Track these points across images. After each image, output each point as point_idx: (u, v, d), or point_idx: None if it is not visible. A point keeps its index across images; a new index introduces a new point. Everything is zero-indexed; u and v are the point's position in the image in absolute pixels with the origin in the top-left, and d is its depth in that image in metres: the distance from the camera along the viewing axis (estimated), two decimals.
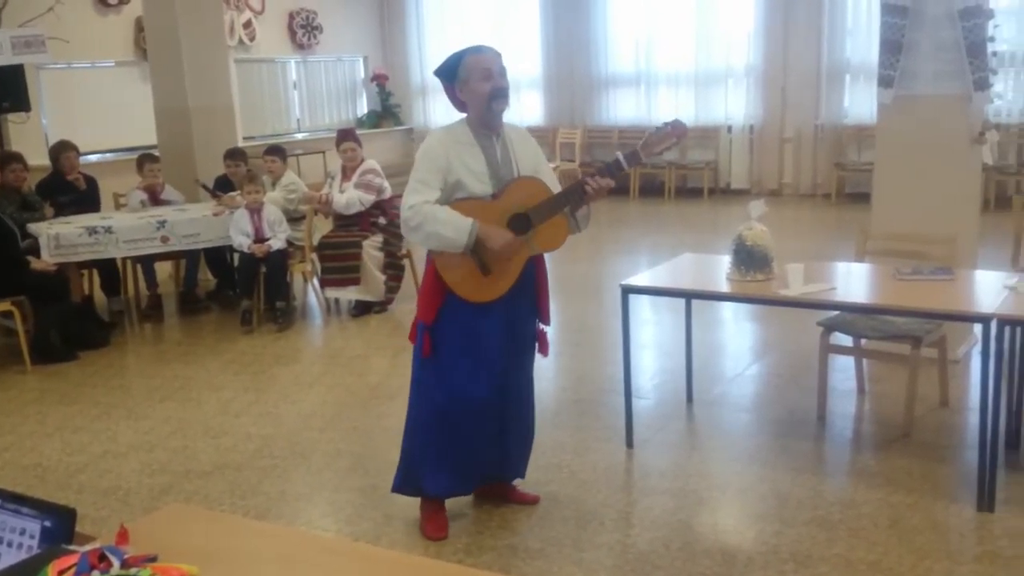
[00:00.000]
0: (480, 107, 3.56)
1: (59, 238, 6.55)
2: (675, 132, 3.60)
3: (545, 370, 3.91)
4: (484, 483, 3.92)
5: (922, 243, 4.81)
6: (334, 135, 7.62)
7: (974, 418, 3.98)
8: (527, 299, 3.72)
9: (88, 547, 1.82)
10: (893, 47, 5.24)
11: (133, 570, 1.79)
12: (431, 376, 3.66)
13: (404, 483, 3.83)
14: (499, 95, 3.53)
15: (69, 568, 1.76)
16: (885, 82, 5.32)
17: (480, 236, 3.47)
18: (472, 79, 3.53)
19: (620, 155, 3.58)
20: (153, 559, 1.85)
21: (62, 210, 7.33)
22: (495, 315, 3.60)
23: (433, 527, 3.75)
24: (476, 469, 3.80)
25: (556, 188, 3.63)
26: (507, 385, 3.71)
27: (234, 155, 7.88)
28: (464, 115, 3.65)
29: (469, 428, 3.66)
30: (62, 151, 7.58)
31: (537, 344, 3.85)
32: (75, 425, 5.19)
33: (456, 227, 3.45)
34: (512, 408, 3.78)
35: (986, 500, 3.71)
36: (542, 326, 3.83)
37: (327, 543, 2.57)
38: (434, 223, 3.45)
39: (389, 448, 4.63)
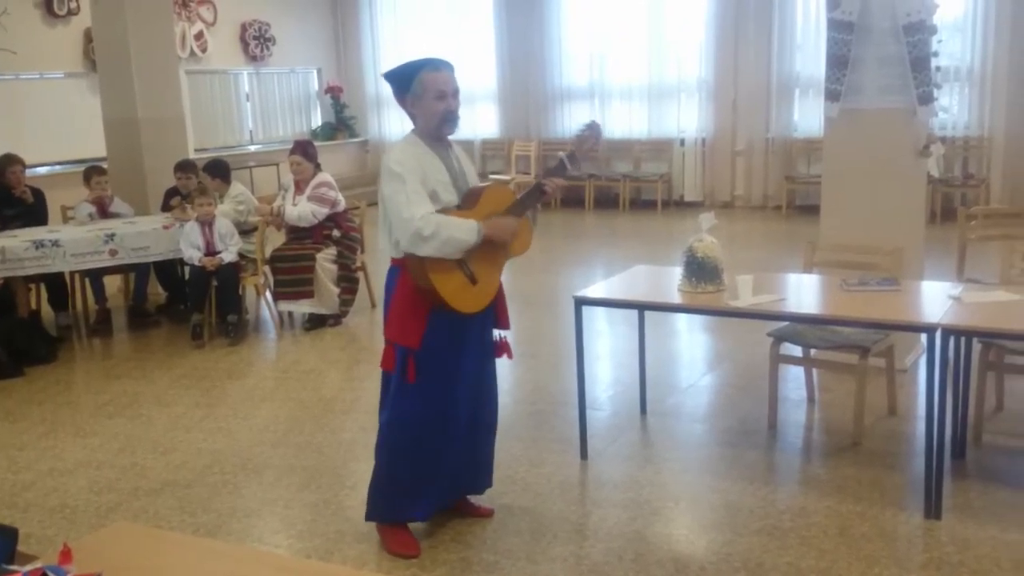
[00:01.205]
0: (429, 125, 3.56)
1: (5, 252, 6.43)
2: (591, 132, 3.75)
3: (500, 381, 3.90)
4: (460, 496, 3.90)
5: (869, 254, 4.89)
6: (287, 147, 7.56)
7: (922, 426, 4.05)
8: (491, 309, 3.72)
9: (30, 567, 1.79)
10: (840, 62, 5.34)
11: None
12: (415, 401, 3.57)
13: (385, 512, 3.73)
14: (451, 119, 3.55)
15: None
16: (832, 96, 5.42)
17: (487, 233, 3.48)
18: (426, 97, 3.51)
19: (563, 156, 3.70)
20: None
21: (8, 223, 7.21)
22: (473, 331, 3.62)
23: (406, 545, 3.67)
24: (455, 485, 3.80)
25: None
26: (479, 397, 3.72)
27: (185, 167, 7.79)
28: (412, 128, 3.63)
29: (450, 449, 3.65)
30: (8, 165, 7.45)
31: (502, 351, 3.84)
32: (21, 442, 5.09)
33: (466, 228, 3.44)
34: (483, 419, 3.79)
35: (933, 508, 3.77)
36: (503, 332, 3.83)
37: (278, 560, 2.55)
38: (448, 227, 3.41)
39: (343, 463, 4.61)
